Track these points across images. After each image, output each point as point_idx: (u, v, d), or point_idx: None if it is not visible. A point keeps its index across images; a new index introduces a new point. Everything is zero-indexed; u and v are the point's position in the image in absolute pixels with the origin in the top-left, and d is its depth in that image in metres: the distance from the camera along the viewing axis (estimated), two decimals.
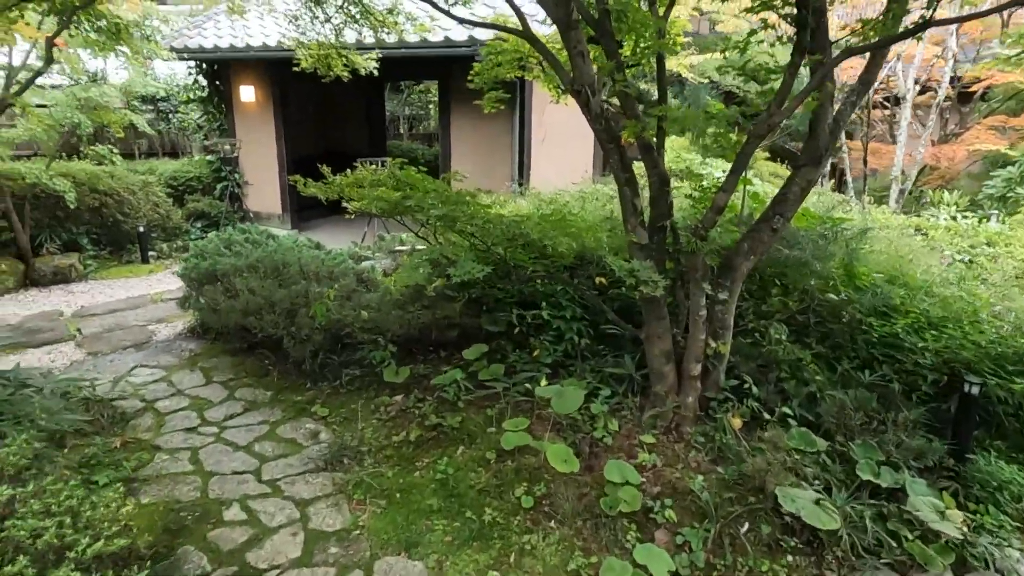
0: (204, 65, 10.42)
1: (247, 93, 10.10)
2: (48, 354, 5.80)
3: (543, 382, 4.07)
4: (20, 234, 7.69)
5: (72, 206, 7.72)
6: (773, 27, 2.95)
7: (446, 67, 8.50)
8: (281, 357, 5.16)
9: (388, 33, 5.87)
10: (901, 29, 2.95)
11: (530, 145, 8.09)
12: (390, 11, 5.30)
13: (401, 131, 18.60)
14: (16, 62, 6.81)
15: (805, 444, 3.56)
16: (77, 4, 4.64)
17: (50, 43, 4.32)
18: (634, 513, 3.26)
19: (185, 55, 9.52)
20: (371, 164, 7.48)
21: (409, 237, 7.00)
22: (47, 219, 8.14)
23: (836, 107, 3.60)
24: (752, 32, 2.90)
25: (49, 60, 4.31)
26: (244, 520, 3.39)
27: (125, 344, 6.00)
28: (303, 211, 10.70)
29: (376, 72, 6.28)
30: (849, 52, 2.85)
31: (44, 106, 7.80)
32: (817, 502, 3.13)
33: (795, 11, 2.86)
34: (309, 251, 5.96)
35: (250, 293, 5.08)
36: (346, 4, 5.19)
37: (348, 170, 4.97)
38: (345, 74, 6.07)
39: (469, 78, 5.24)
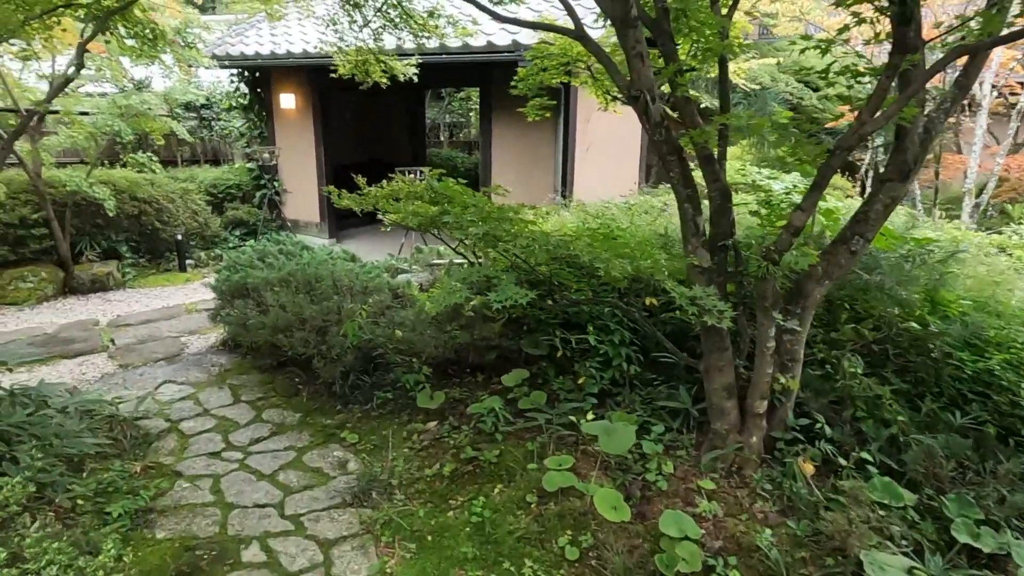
0: (246, 73, 10.38)
1: (287, 100, 10.01)
2: (80, 365, 5.69)
3: (589, 415, 3.72)
4: (60, 241, 7.67)
5: (111, 214, 7.68)
6: (872, 22, 2.56)
7: (488, 73, 8.24)
8: (312, 376, 4.91)
9: (428, 38, 5.62)
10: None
11: (574, 155, 7.75)
12: (431, 14, 5.04)
13: (441, 138, 18.45)
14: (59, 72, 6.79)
15: (889, 497, 3.13)
16: (114, 7, 4.50)
17: (81, 49, 4.18)
18: (694, 573, 2.88)
19: (226, 63, 9.48)
20: (410, 174, 7.27)
21: (447, 250, 6.73)
22: (87, 226, 8.13)
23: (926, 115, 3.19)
24: (844, 28, 2.52)
25: (79, 66, 4.16)
26: (263, 562, 3.12)
27: (157, 356, 5.86)
28: (341, 220, 10.56)
29: (415, 79, 6.03)
30: (961, 51, 2.45)
31: (87, 113, 7.81)
32: (910, 571, 2.71)
33: (893, 4, 2.47)
34: (343, 264, 5.73)
35: (280, 309, 4.86)
36: (385, 7, 4.95)
37: (385, 180, 4.73)
38: (384, 81, 5.84)
39: (512, 84, 4.94)
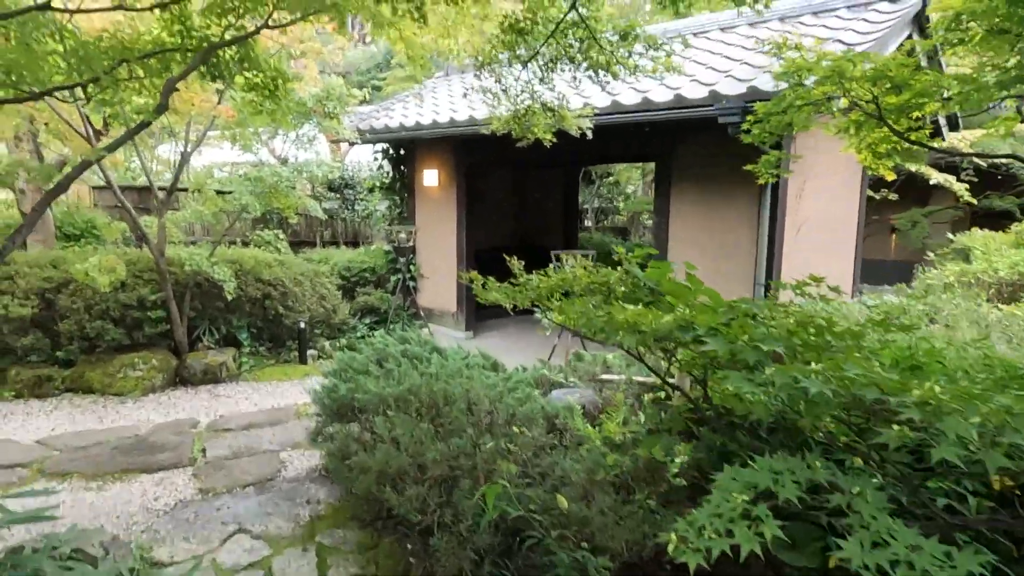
0: (390, 151, 9.71)
1: (430, 177, 9.11)
2: (158, 484, 4.57)
3: None
4: (177, 325, 6.91)
5: (230, 297, 6.84)
6: None
7: (669, 139, 6.73)
8: (428, 547, 3.33)
9: (608, 82, 4.21)
10: None
11: (782, 238, 5.93)
12: (623, 36, 3.60)
13: (588, 223, 17.21)
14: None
15: None
16: (226, 42, 3.49)
17: (169, 88, 3.17)
18: None
19: (369, 136, 8.77)
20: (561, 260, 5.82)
21: (617, 358, 5.07)
22: (209, 309, 7.36)
23: None
24: None
25: (163, 107, 3.12)
26: None
27: (247, 480, 4.61)
28: (480, 310, 9.30)
29: (589, 133, 4.61)
30: None
31: (224, 192, 7.18)
32: None
33: None
34: (481, 376, 4.22)
35: (393, 445, 3.38)
36: (558, 33, 3.61)
37: (549, 268, 3.25)
38: (548, 138, 4.47)
39: (745, 127, 3.36)
